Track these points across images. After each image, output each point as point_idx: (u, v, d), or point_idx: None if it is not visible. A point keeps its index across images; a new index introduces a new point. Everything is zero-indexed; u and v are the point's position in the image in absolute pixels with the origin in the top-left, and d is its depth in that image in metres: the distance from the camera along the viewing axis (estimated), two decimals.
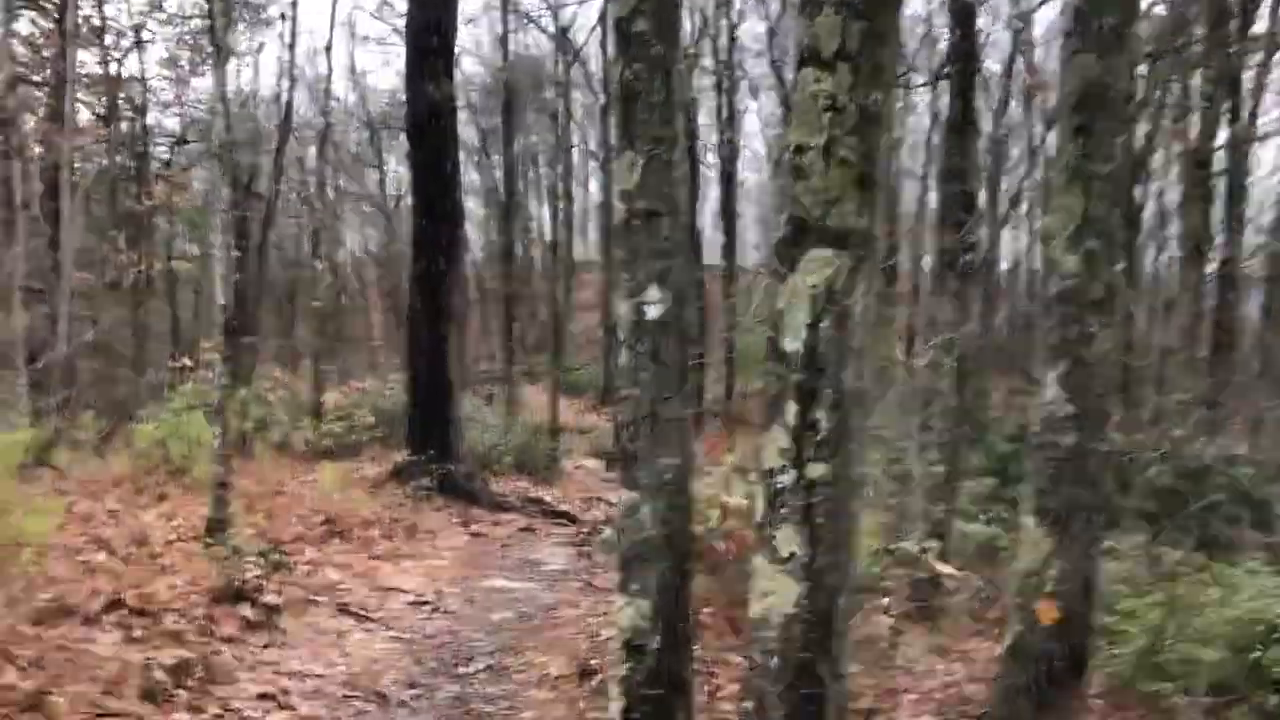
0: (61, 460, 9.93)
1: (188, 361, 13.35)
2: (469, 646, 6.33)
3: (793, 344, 2.67)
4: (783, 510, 2.74)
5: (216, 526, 7.04)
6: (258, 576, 6.45)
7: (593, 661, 5.61)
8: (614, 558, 8.96)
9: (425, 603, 7.34)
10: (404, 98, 13.78)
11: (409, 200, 16.07)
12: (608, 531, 8.88)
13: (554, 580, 8.55)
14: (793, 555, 2.74)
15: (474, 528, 11.11)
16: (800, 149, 2.63)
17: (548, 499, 14.24)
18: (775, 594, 2.79)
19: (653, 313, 3.15)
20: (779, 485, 2.74)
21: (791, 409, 2.69)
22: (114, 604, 5.09)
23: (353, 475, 12.28)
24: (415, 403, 12.75)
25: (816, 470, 2.70)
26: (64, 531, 7.68)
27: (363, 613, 6.79)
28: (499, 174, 33.78)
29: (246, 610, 5.80)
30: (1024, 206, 29.44)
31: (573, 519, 12.69)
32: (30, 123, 19.95)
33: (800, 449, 2.70)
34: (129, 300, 23.27)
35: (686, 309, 3.30)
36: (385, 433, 16.63)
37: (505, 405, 21.97)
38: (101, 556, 6.48)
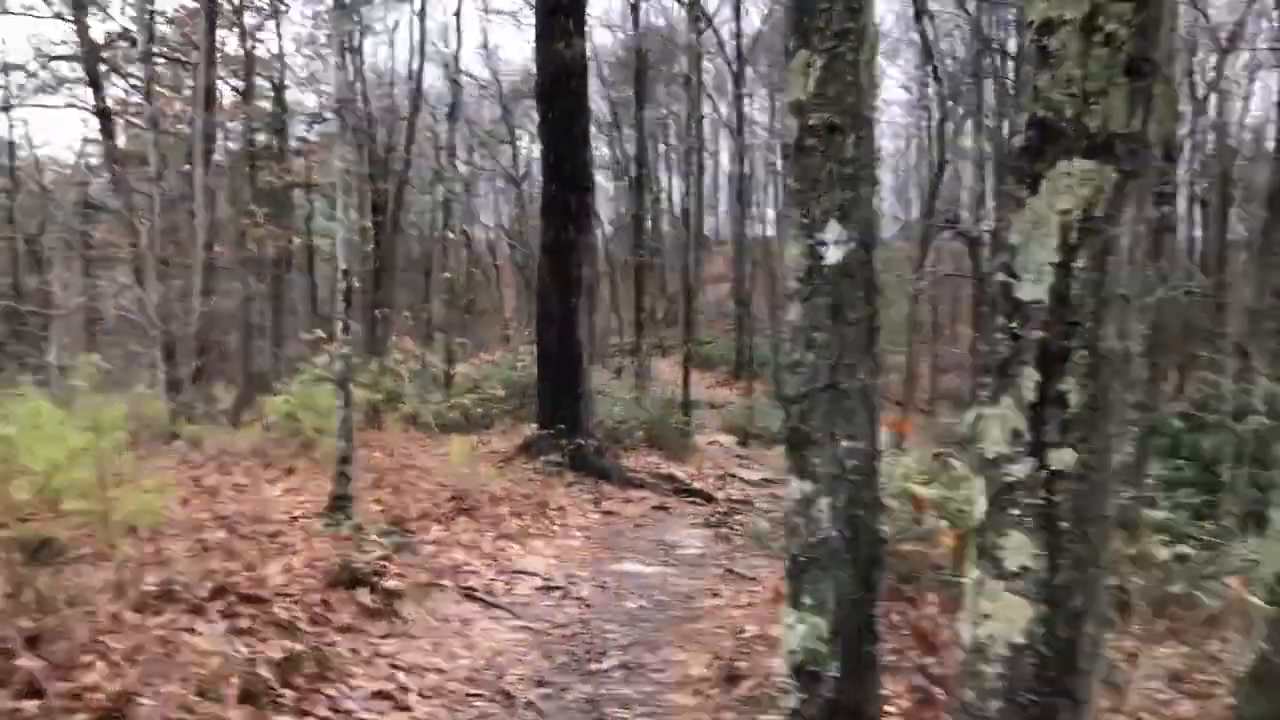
0: (192, 433, 9.83)
1: (320, 333, 13.27)
2: (602, 639, 5.81)
3: (1034, 289, 1.99)
4: (1013, 511, 2.09)
5: (339, 504, 6.70)
6: (379, 558, 6.06)
7: (738, 664, 5.00)
8: (753, 543, 8.25)
9: (555, 588, 6.86)
10: (534, 66, 13.32)
11: (539, 173, 15.57)
12: (761, 523, 8.16)
13: (691, 565, 7.98)
14: (1025, 569, 2.09)
15: (605, 505, 10.63)
16: (1048, 25, 1.94)
17: (680, 476, 13.68)
18: (999, 618, 2.15)
19: (832, 255, 2.50)
20: (1008, 477, 2.08)
21: (1029, 377, 2.02)
22: (222, 590, 4.72)
23: (482, 449, 11.98)
24: (545, 375, 12.34)
25: (1062, 458, 2.03)
26: (189, 505, 7.49)
27: (489, 598, 6.35)
28: (630, 148, 33.38)
29: (365, 596, 5.39)
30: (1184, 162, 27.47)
31: (707, 497, 12.10)
32: (176, 104, 20.40)
33: (1040, 430, 2.03)
34: (269, 274, 23.75)
35: (875, 250, 2.61)
36: (516, 404, 16.37)
37: (635, 379, 21.52)
38: (220, 535, 6.19)
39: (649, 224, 37.34)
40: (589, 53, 13.25)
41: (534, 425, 12.40)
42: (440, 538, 7.43)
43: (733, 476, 15.92)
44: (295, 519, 7.44)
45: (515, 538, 8.04)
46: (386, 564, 6.01)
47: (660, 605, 6.64)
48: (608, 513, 10.22)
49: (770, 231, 48.97)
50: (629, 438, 15.72)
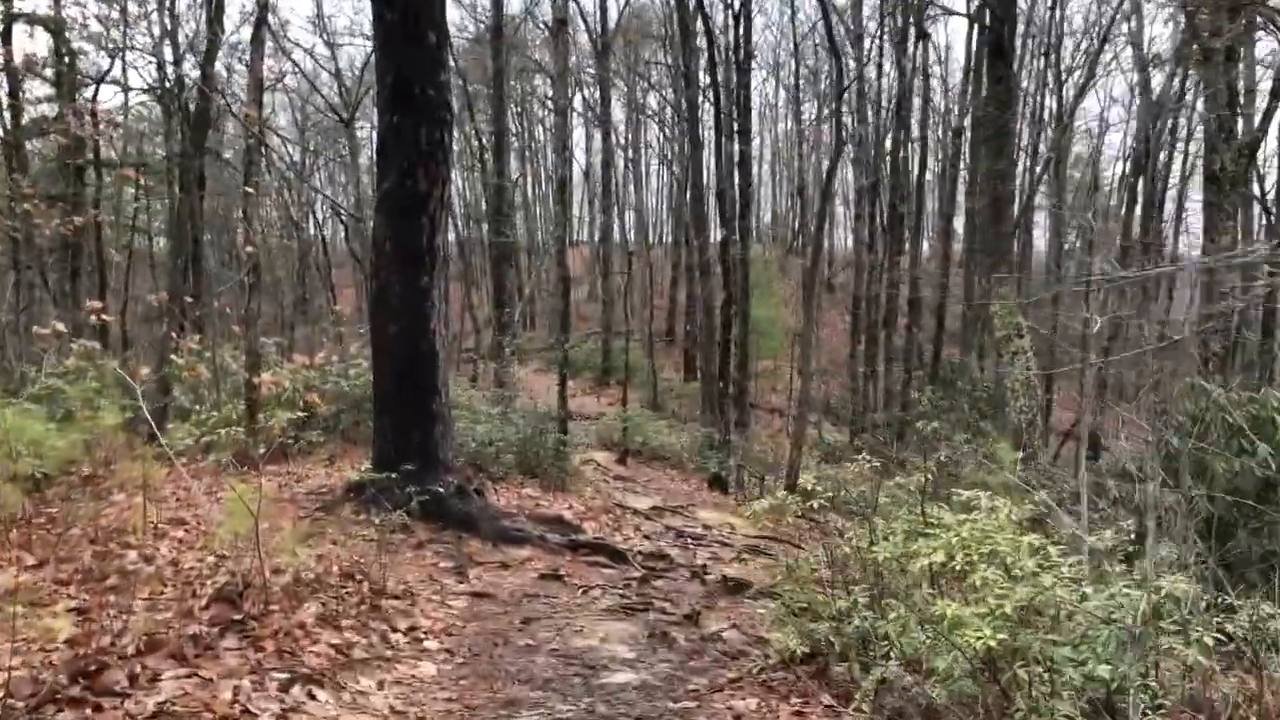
0: None
1: (59, 326, 9.31)
2: None
3: None
4: None
5: None
6: None
7: None
8: (722, 652, 4.93)
9: None
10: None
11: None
12: None
13: (635, 711, 4.64)
14: None
15: (474, 578, 7.22)
16: None
17: (567, 516, 10.33)
18: None
19: None
20: None
21: None
22: None
23: (290, 494, 8.35)
24: (385, 384, 8.75)
25: None
26: None
27: None
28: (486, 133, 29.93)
29: None
30: None
31: (613, 553, 8.74)
32: None
33: None
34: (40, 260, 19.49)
35: None
36: (351, 422, 12.80)
37: (498, 389, 18.00)
38: None
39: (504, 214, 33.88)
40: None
41: (369, 457, 8.84)
42: (177, 697, 3.87)
43: (623, 509, 12.73)
44: None
45: (324, 677, 4.52)
46: None
47: None
48: (479, 594, 6.78)
49: (631, 232, 45.80)
50: (495, 463, 12.30)
